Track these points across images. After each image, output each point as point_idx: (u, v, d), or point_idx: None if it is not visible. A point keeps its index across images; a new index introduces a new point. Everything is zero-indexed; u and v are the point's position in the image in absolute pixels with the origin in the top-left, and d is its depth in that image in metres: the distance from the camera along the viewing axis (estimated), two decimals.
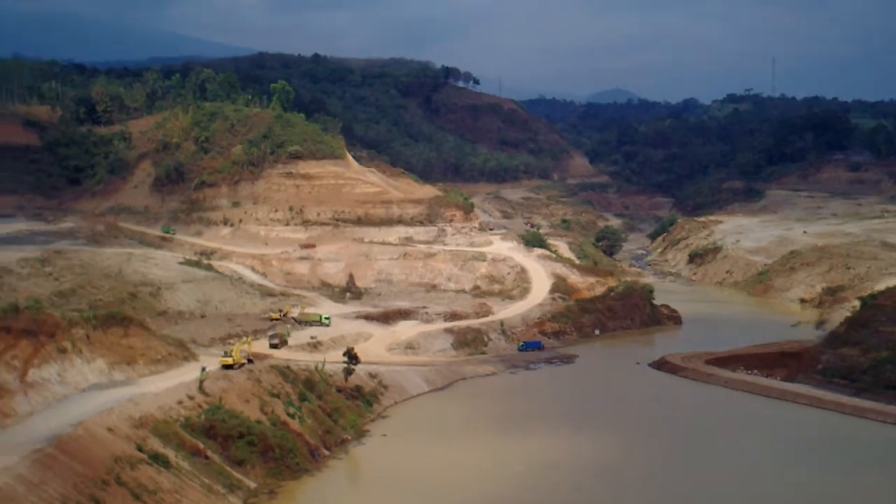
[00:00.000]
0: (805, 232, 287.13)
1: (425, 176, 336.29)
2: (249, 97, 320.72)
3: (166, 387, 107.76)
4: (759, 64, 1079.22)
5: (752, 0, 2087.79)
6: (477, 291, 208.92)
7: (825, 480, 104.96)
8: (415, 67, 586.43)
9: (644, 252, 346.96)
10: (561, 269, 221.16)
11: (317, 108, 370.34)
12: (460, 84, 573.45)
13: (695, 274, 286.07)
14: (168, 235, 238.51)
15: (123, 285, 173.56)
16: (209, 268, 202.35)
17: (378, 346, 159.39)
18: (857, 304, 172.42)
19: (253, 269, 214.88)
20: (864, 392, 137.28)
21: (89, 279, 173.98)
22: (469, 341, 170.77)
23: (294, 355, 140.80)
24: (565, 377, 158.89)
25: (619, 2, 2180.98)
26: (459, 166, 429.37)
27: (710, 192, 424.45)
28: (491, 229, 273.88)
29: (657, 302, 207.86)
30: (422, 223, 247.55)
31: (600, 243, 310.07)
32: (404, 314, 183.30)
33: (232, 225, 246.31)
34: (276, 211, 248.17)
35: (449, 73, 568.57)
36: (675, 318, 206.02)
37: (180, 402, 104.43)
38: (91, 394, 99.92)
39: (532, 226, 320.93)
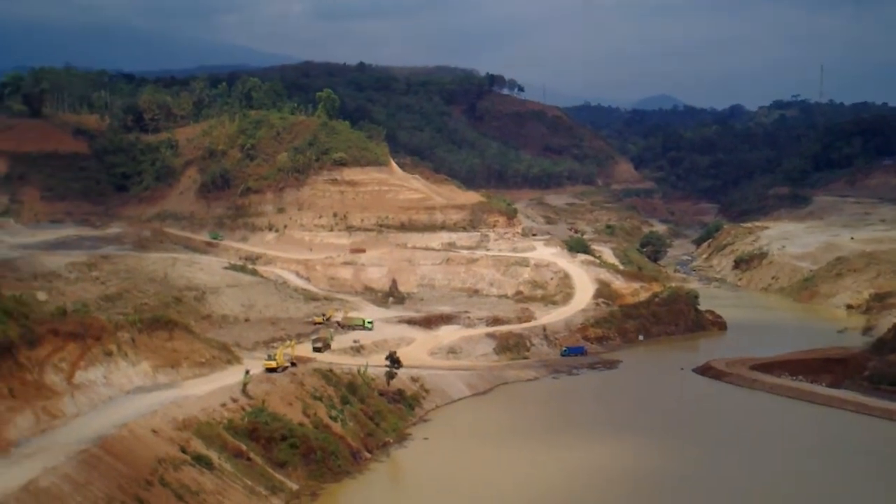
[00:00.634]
0: (852, 238, 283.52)
1: (469, 182, 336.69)
2: (295, 105, 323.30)
3: (210, 389, 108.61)
4: (806, 70, 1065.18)
5: (800, 6, 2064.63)
6: (519, 296, 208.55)
7: (874, 489, 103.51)
8: (459, 75, 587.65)
9: (689, 258, 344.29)
10: (605, 275, 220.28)
11: (361, 115, 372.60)
12: (505, 91, 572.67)
13: (740, 280, 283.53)
14: (215, 241, 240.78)
15: (168, 289, 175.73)
16: (254, 272, 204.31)
17: (420, 350, 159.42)
18: None
19: (297, 273, 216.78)
20: None
21: (135, 283, 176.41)
22: (511, 346, 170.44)
23: (337, 359, 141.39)
24: (608, 383, 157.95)
25: (665, 9, 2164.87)
26: (503, 172, 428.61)
27: (755, 197, 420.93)
28: (534, 235, 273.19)
29: (702, 307, 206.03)
30: (465, 229, 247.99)
31: (645, 249, 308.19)
32: (446, 319, 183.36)
33: (277, 231, 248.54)
34: (321, 217, 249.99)
35: (493, 80, 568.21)
36: (719, 324, 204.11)
37: (224, 405, 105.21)
38: (136, 396, 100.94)
39: (576, 231, 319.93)
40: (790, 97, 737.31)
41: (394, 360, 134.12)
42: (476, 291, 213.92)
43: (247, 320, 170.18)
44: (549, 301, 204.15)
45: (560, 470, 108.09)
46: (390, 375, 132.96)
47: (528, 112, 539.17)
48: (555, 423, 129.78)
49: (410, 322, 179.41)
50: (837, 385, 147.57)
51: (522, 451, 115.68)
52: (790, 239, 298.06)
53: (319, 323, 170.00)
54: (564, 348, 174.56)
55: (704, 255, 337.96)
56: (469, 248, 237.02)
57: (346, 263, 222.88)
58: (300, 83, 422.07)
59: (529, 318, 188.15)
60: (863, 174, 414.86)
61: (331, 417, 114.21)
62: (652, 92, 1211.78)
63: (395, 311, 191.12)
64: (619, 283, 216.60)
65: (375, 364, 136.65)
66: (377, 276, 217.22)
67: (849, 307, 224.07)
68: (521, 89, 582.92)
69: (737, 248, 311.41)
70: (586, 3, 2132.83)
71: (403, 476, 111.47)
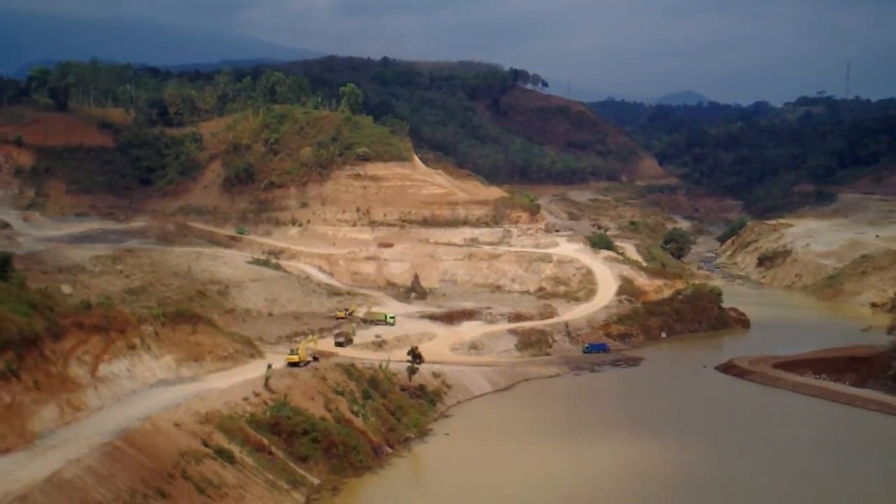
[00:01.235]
0: (878, 236, 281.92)
1: (492, 178, 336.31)
2: (319, 100, 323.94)
3: (232, 383, 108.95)
4: (832, 67, 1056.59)
5: (826, 2, 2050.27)
6: (542, 293, 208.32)
7: None
8: (483, 70, 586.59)
9: (713, 255, 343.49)
10: (628, 272, 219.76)
11: (385, 110, 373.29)
12: (529, 87, 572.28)
13: (764, 277, 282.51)
14: (241, 236, 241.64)
15: (192, 283, 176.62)
16: (277, 267, 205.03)
17: (442, 345, 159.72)
18: None
19: (320, 268, 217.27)
20: None
21: (159, 277, 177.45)
22: (533, 342, 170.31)
23: (359, 354, 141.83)
24: (630, 380, 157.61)
25: (690, 4, 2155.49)
26: (526, 168, 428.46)
27: (780, 194, 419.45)
28: (557, 231, 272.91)
29: (725, 305, 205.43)
30: (487, 224, 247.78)
31: (668, 246, 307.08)
32: (468, 314, 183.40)
33: (300, 225, 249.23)
34: (344, 212, 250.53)
35: (517, 75, 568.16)
36: (743, 322, 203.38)
37: (246, 399, 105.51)
38: (159, 389, 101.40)
39: (599, 227, 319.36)
40: (816, 94, 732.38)
41: (415, 356, 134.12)
42: (498, 287, 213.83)
43: (270, 314, 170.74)
44: (572, 297, 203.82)
45: (582, 468, 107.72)
46: (412, 371, 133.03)
47: (551, 107, 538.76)
48: (577, 421, 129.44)
49: (432, 317, 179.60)
50: (861, 384, 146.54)
51: (544, 448, 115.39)
52: (814, 236, 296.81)
53: (342, 318, 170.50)
54: (587, 345, 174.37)
55: (728, 253, 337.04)
56: (491, 243, 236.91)
57: (368, 258, 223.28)
58: (324, 78, 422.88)
59: (552, 314, 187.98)
60: (889, 171, 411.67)
61: (352, 412, 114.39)
62: (676, 88, 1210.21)
63: (417, 307, 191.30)
64: (642, 280, 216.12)
65: (397, 359, 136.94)
66: (399, 272, 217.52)
67: (873, 305, 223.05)
68: (545, 84, 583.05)
69: (761, 246, 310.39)
70: None
71: (424, 471, 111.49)
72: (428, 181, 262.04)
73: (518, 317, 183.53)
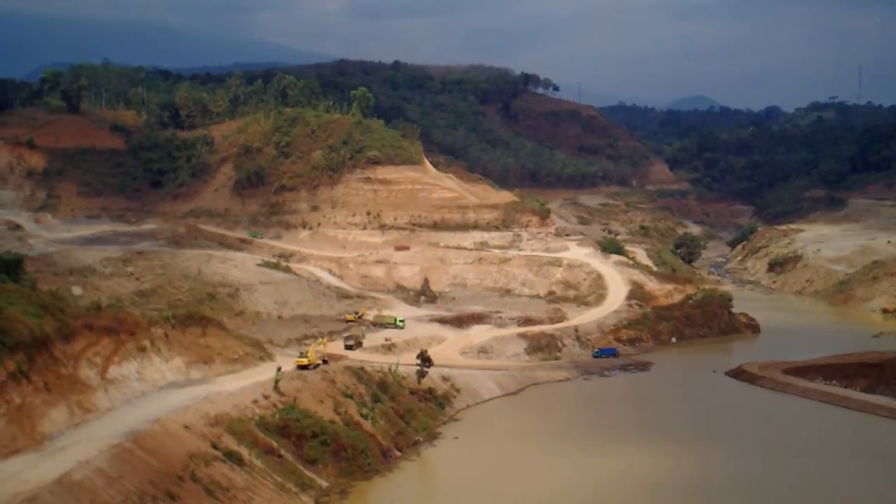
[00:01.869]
0: (889, 241, 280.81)
1: (502, 182, 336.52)
2: (330, 103, 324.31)
3: (242, 386, 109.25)
4: (845, 72, 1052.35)
5: (838, 7, 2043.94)
6: (552, 297, 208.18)
7: None
8: (494, 74, 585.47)
9: (723, 260, 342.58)
10: (638, 276, 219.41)
11: (396, 114, 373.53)
12: (539, 91, 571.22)
13: (774, 282, 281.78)
14: (253, 239, 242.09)
15: (202, 286, 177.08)
16: (287, 270, 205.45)
17: (451, 349, 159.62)
18: None
19: (330, 271, 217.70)
20: None
21: (169, 279, 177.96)
22: (543, 346, 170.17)
23: (368, 357, 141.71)
24: (640, 385, 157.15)
25: (701, 8, 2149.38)
26: (537, 172, 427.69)
27: (791, 200, 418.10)
28: (567, 235, 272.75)
29: (735, 310, 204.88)
30: (497, 228, 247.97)
31: (679, 250, 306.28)
32: (478, 318, 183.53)
33: (310, 228, 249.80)
34: (354, 215, 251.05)
35: (528, 79, 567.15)
36: (753, 327, 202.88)
37: (255, 402, 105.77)
38: (168, 391, 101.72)
39: (609, 232, 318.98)
40: (827, 99, 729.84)
41: (425, 359, 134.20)
42: (508, 291, 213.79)
43: (279, 317, 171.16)
44: (582, 302, 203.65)
45: (591, 473, 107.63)
46: (421, 374, 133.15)
47: (562, 111, 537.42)
48: (585, 425, 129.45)
49: (442, 321, 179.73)
50: (872, 390, 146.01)
51: (552, 452, 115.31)
52: (825, 242, 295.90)
53: (351, 321, 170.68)
54: (596, 350, 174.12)
55: (739, 258, 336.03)
56: (501, 247, 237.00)
57: (378, 262, 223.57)
58: (335, 81, 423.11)
59: (561, 318, 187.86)
60: None
61: (361, 415, 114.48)
62: (687, 92, 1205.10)
63: (426, 310, 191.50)
64: (652, 285, 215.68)
65: (406, 362, 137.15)
66: (409, 275, 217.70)
67: (885, 311, 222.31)
68: (555, 88, 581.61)
69: (771, 251, 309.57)
70: (620, 2, 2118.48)
71: (433, 475, 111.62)
72: (438, 185, 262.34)
73: (528, 321, 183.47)
